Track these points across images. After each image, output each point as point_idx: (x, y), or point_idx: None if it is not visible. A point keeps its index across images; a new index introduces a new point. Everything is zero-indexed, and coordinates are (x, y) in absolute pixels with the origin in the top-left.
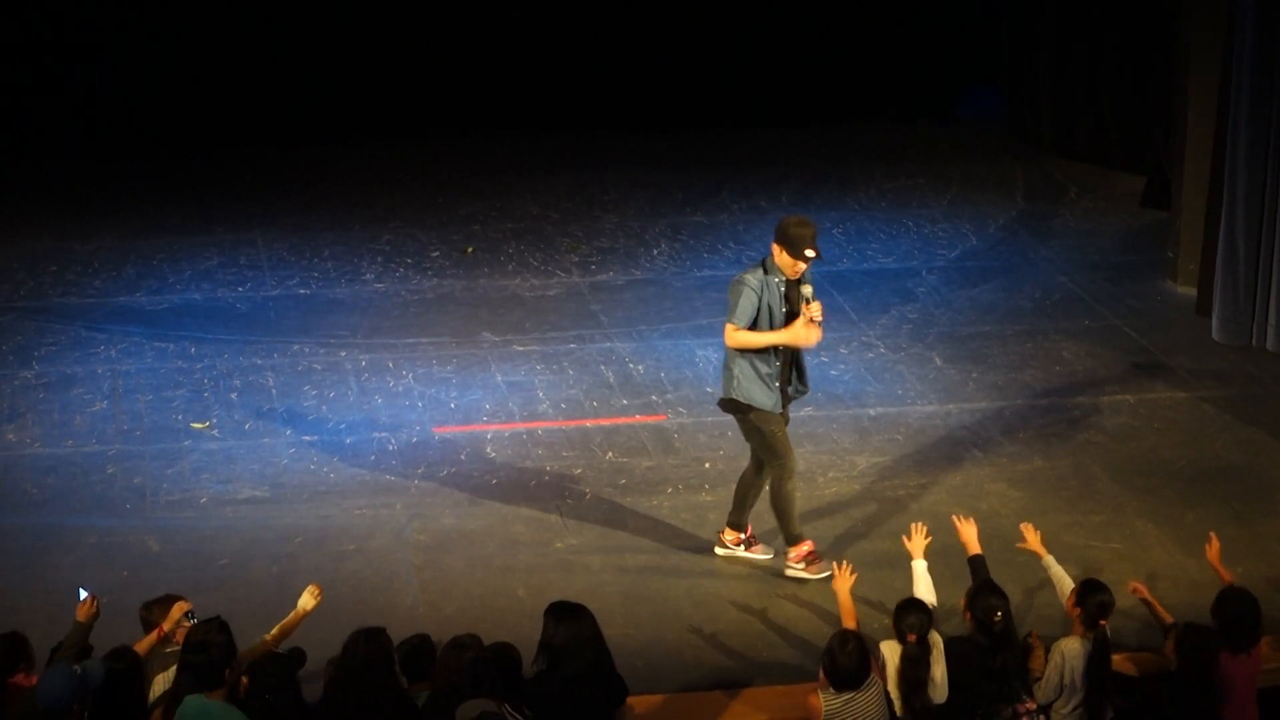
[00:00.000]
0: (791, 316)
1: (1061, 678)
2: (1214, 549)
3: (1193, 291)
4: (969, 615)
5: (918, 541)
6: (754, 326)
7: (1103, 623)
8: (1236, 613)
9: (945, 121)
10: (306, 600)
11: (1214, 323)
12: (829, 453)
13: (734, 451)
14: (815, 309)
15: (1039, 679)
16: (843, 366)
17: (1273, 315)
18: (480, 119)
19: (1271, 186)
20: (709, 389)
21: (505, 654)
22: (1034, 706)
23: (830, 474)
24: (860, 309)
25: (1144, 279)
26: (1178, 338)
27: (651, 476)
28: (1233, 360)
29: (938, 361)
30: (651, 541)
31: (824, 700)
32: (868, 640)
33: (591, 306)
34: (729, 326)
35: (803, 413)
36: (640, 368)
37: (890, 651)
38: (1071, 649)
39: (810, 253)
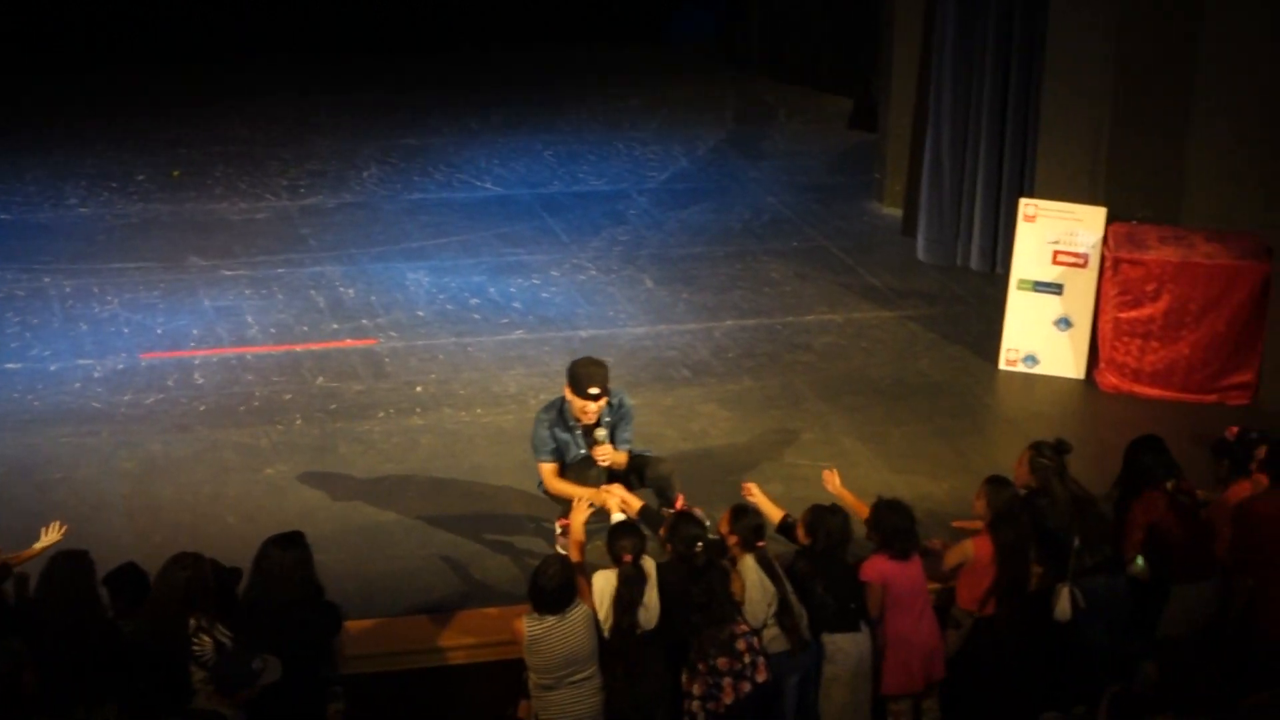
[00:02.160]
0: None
1: (764, 596)
2: (834, 482)
3: (898, 212)
4: (669, 547)
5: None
6: (560, 461)
7: (760, 544)
8: (893, 522)
9: (656, 43)
10: (53, 535)
11: (919, 243)
12: (541, 375)
13: (445, 375)
14: (601, 453)
15: (742, 601)
16: (554, 289)
17: (976, 235)
18: (186, 41)
19: (975, 110)
20: (420, 312)
21: (222, 576)
22: (747, 628)
23: (542, 396)
24: (571, 231)
25: (851, 200)
26: (884, 258)
27: (363, 401)
28: (937, 279)
29: (648, 283)
30: (363, 466)
31: (527, 624)
32: (588, 568)
33: (301, 230)
34: (539, 467)
35: (514, 335)
36: (351, 291)
37: (602, 580)
38: (751, 566)
39: (594, 390)
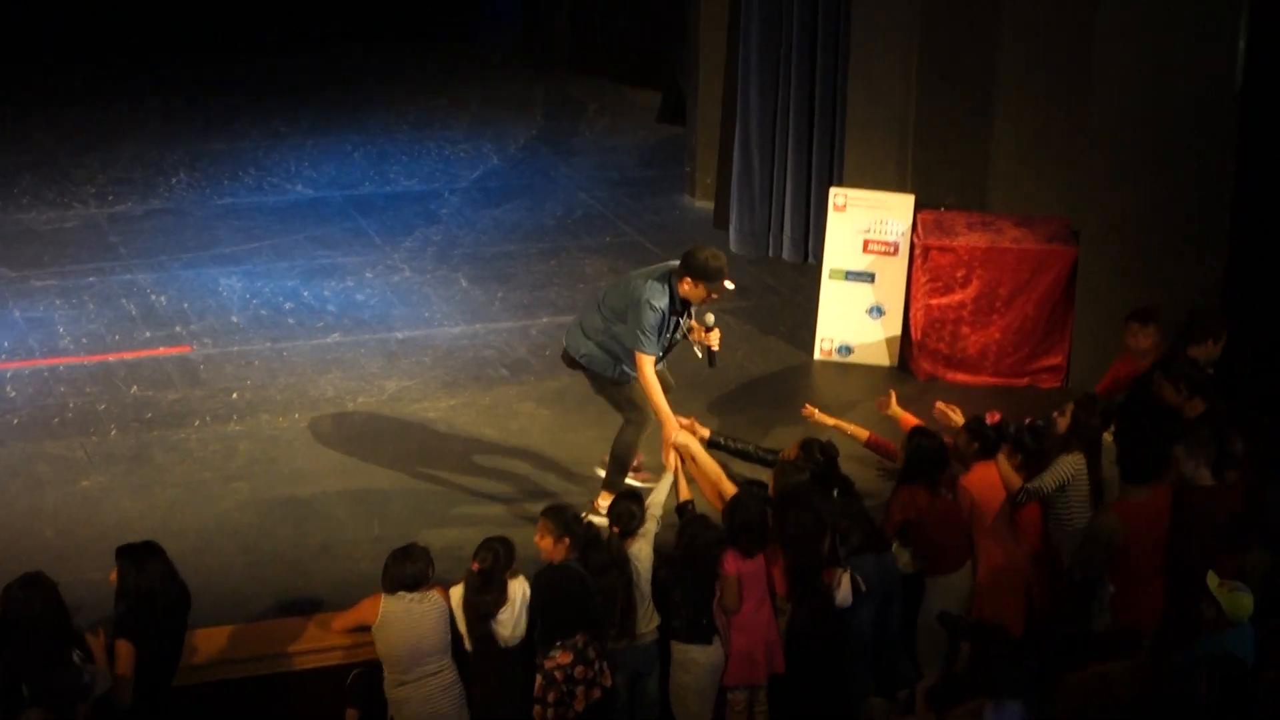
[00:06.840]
0: (672, 345)
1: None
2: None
3: (710, 205)
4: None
5: None
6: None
7: (641, 531)
8: (744, 519)
9: (463, 40)
10: None
11: (731, 235)
12: (357, 378)
13: (261, 381)
14: (714, 338)
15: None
16: (369, 291)
17: (788, 226)
18: None
19: (783, 101)
20: (234, 318)
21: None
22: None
23: (360, 399)
24: (384, 232)
25: (663, 194)
26: None
27: (178, 409)
28: (750, 271)
29: (463, 283)
30: (181, 475)
31: (384, 601)
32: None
33: (110, 238)
34: (641, 356)
35: (330, 339)
36: (163, 299)
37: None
38: (643, 561)
39: (730, 284)
